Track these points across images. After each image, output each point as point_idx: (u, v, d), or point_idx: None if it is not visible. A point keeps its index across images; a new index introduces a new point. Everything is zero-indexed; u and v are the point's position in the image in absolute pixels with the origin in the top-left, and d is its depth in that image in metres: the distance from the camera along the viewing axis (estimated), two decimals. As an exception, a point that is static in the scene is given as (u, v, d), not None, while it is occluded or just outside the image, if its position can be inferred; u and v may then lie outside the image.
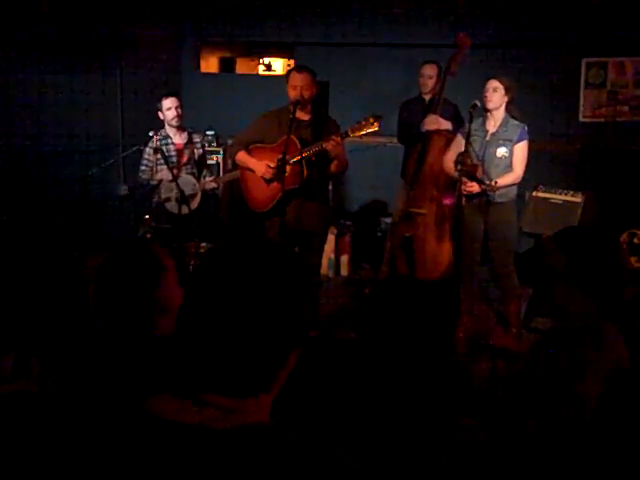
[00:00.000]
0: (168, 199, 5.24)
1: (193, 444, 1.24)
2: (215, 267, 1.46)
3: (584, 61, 6.64)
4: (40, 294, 4.41)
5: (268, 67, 8.17)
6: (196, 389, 1.41)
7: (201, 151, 5.55)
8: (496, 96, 4.65)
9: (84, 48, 6.11)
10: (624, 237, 6.04)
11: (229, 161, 6.75)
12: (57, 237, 5.48)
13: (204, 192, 5.39)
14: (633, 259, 6.02)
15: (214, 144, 7.15)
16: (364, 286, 6.15)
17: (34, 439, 1.80)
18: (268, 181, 4.56)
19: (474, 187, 4.60)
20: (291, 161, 4.37)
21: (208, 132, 7.17)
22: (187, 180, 5.29)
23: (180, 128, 5.42)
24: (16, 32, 5.47)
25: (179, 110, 5.34)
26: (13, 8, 5.38)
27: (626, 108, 6.63)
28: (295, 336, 1.46)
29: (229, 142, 6.36)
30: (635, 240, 6.02)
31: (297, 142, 4.41)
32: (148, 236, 5.20)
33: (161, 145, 5.34)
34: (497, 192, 4.65)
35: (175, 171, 5.21)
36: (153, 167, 5.30)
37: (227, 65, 8.10)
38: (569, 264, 2.04)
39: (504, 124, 4.70)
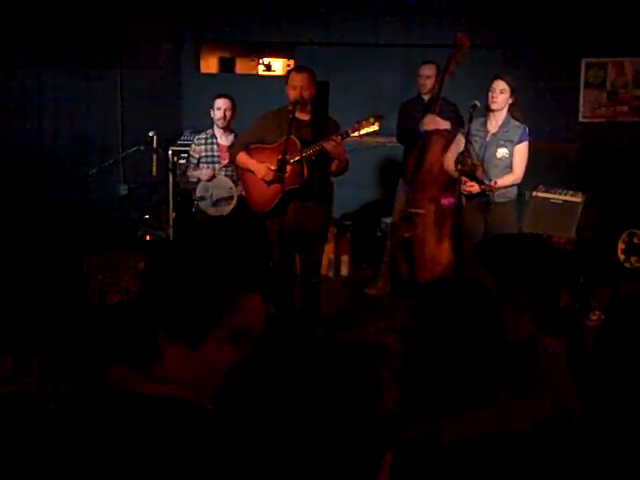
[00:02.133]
0: (202, 198, 5.25)
1: None
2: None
3: (584, 61, 6.64)
4: (40, 295, 4.42)
5: (268, 67, 8.16)
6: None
7: None
8: (502, 97, 4.64)
9: (84, 48, 6.11)
10: (624, 237, 6.04)
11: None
12: (57, 237, 5.48)
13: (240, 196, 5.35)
14: (633, 259, 6.02)
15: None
16: (364, 286, 6.15)
17: (34, 439, 1.80)
18: (268, 182, 4.56)
19: (474, 187, 4.63)
20: (291, 161, 4.37)
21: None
22: (223, 182, 5.27)
23: (227, 130, 5.44)
24: (16, 32, 5.47)
25: (227, 112, 5.35)
26: (13, 8, 5.39)
27: (626, 108, 6.63)
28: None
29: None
30: (635, 240, 6.02)
31: (297, 142, 4.40)
32: (148, 237, 5.20)
33: (206, 144, 5.39)
34: (497, 192, 4.66)
35: (214, 172, 5.26)
36: (193, 165, 5.36)
37: (227, 65, 8.10)
38: (497, 284, 1.98)
39: (505, 125, 4.71)
